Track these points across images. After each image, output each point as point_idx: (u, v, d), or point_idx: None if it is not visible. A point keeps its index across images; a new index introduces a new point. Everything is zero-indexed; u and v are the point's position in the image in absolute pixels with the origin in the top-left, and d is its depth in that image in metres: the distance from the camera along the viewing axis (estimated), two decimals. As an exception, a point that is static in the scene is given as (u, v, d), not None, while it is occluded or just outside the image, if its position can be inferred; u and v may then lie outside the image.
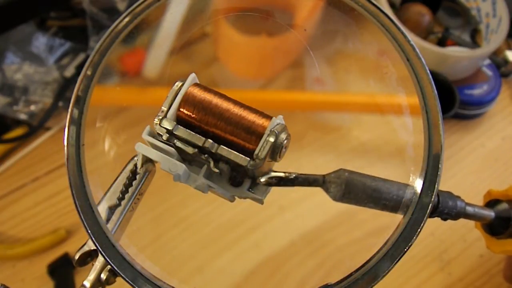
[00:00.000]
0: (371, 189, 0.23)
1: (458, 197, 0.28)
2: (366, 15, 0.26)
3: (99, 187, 0.26)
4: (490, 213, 0.31)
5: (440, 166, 0.23)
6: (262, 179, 0.23)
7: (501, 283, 0.52)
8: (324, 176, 0.24)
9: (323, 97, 0.57)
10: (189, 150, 0.24)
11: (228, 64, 0.62)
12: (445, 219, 0.27)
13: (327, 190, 0.24)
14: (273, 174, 0.24)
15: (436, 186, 0.23)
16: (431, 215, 0.26)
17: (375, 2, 0.25)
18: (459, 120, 0.64)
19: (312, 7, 0.53)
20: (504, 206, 0.33)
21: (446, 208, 0.26)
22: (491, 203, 0.35)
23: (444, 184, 0.24)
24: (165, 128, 0.24)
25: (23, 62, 0.61)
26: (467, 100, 0.62)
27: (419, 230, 0.22)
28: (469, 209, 0.28)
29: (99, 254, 0.24)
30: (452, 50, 0.64)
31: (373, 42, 0.30)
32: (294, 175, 0.24)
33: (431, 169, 0.23)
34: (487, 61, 0.65)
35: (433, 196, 0.23)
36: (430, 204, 0.23)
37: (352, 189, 0.23)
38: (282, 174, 0.24)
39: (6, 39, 0.60)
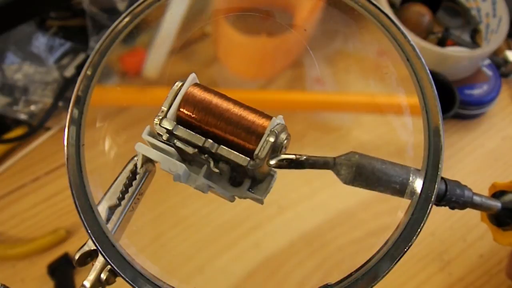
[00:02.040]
0: (381, 172, 0.23)
1: (466, 186, 0.28)
2: (366, 15, 0.26)
3: (99, 187, 0.26)
4: (496, 204, 0.31)
5: (440, 166, 0.23)
6: (272, 162, 0.23)
7: (501, 283, 0.52)
8: (334, 158, 0.24)
9: (323, 97, 0.57)
10: (189, 150, 0.24)
11: (228, 64, 0.62)
12: (452, 208, 0.27)
13: (337, 173, 0.23)
14: (283, 156, 0.23)
15: (436, 186, 0.23)
16: (439, 203, 0.26)
17: (375, 2, 0.25)
18: (459, 120, 0.64)
19: (312, 7, 0.53)
20: (510, 197, 0.33)
21: (454, 196, 0.26)
22: (497, 195, 0.35)
23: (444, 184, 0.24)
24: (165, 128, 0.24)
25: (23, 62, 0.61)
26: (467, 100, 0.62)
27: (419, 230, 0.22)
28: (476, 198, 0.28)
29: (99, 254, 0.24)
30: (452, 50, 0.64)
31: (373, 42, 0.30)
32: (304, 157, 0.23)
33: (431, 169, 0.23)
34: (487, 61, 0.65)
35: (433, 196, 0.23)
36: (430, 204, 0.23)
37: (363, 172, 0.23)
38: (292, 156, 0.23)
39: (6, 39, 0.60)
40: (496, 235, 0.34)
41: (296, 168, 0.23)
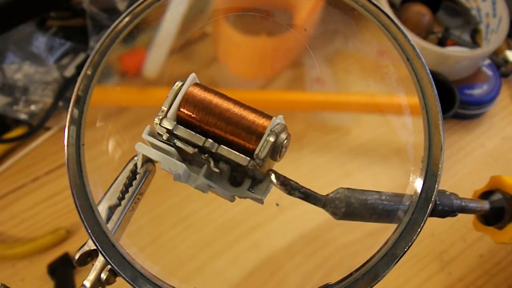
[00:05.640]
0: (373, 206, 0.24)
1: (452, 194, 0.28)
2: (366, 15, 0.26)
3: (99, 186, 0.26)
4: (484, 205, 0.32)
5: (440, 166, 0.23)
6: (274, 179, 0.24)
7: (501, 283, 0.52)
8: (325, 196, 0.24)
9: (323, 97, 0.57)
10: (189, 150, 0.24)
11: (228, 64, 0.62)
12: (443, 217, 0.27)
13: (328, 211, 0.24)
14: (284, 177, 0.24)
15: (436, 186, 0.23)
16: (431, 214, 0.26)
17: (375, 2, 0.26)
18: (459, 120, 0.64)
19: (312, 7, 0.53)
20: (497, 195, 0.34)
21: (445, 206, 0.27)
22: (482, 197, 0.35)
23: (444, 184, 0.24)
24: (165, 128, 0.24)
25: (23, 62, 0.61)
26: (467, 100, 0.62)
27: (419, 230, 0.22)
28: (465, 203, 0.29)
29: (99, 254, 0.24)
30: (452, 50, 0.64)
31: (373, 42, 0.30)
32: (303, 189, 0.24)
33: (431, 169, 0.23)
34: (487, 61, 0.65)
35: (433, 196, 0.23)
36: (430, 204, 0.23)
37: (354, 208, 0.24)
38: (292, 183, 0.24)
39: (6, 39, 0.60)
40: (494, 236, 0.34)
41: (289, 193, 0.24)
